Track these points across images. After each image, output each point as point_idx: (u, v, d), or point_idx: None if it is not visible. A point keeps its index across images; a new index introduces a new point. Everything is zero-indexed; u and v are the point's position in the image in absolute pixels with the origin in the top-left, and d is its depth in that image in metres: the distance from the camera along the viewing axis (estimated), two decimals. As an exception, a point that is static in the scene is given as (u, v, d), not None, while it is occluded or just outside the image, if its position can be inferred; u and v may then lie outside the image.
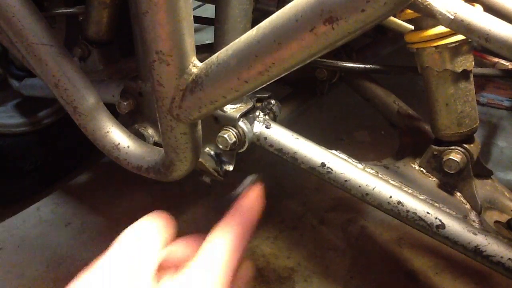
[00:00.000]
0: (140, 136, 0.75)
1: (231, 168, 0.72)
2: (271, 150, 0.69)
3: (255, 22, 0.44)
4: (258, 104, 0.73)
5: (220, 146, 0.67)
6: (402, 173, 0.74)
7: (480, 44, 0.58)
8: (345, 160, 0.67)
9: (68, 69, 0.59)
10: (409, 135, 0.87)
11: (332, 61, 0.87)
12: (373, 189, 0.65)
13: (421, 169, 0.75)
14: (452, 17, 0.55)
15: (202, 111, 0.44)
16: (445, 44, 0.64)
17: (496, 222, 0.72)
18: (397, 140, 0.89)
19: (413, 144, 0.84)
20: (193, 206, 1.20)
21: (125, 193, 1.25)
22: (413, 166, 0.76)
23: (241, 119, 0.68)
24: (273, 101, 0.76)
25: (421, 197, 0.66)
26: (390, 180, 0.68)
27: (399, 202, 0.64)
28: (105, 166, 1.35)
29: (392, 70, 0.88)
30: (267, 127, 0.69)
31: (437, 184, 0.73)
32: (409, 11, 0.64)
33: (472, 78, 0.69)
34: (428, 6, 0.55)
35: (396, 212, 0.64)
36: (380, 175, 0.68)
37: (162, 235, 0.34)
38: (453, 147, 0.71)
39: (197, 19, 1.20)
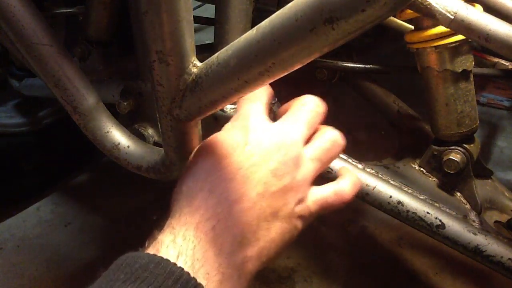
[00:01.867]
0: (140, 136, 0.75)
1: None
2: (271, 150, 0.68)
3: (255, 22, 0.44)
4: (258, 104, 0.73)
5: (220, 146, 0.67)
6: (402, 173, 0.74)
7: (480, 44, 0.58)
8: (345, 160, 0.67)
9: (68, 69, 0.59)
10: (409, 135, 0.88)
11: (332, 61, 0.87)
12: (373, 189, 0.65)
13: (421, 169, 0.75)
14: (452, 17, 0.55)
15: (202, 111, 0.44)
16: (445, 44, 0.64)
17: (496, 222, 0.73)
18: (397, 140, 0.89)
19: (413, 144, 0.84)
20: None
21: (125, 193, 1.25)
22: (413, 166, 0.76)
23: (241, 119, 0.67)
24: (273, 101, 0.76)
25: (421, 197, 0.66)
26: (390, 180, 0.68)
27: (399, 202, 0.64)
28: (105, 166, 1.35)
29: (392, 70, 0.88)
30: (267, 127, 0.69)
31: (437, 184, 0.73)
32: (409, 11, 0.64)
33: (472, 78, 0.69)
34: (428, 6, 0.55)
35: (396, 212, 0.64)
36: (380, 175, 0.68)
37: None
38: (453, 147, 0.71)
39: (197, 19, 1.20)
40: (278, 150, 0.45)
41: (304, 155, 0.46)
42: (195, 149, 0.49)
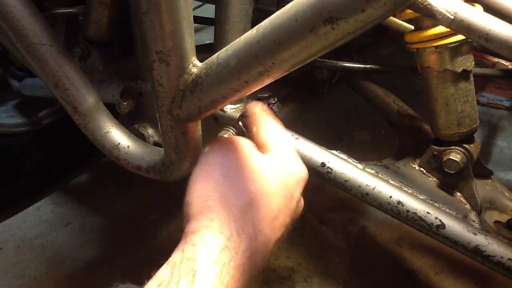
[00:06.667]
0: (140, 136, 0.75)
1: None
2: (271, 150, 0.68)
3: (255, 22, 0.44)
4: (258, 104, 0.73)
5: (220, 146, 0.67)
6: (402, 173, 0.74)
7: (480, 44, 0.58)
8: (345, 160, 0.67)
9: (68, 69, 0.59)
10: (409, 135, 0.87)
11: (332, 61, 0.87)
12: (373, 189, 0.65)
13: (421, 169, 0.75)
14: (452, 17, 0.55)
15: (202, 111, 0.44)
16: (445, 44, 0.64)
17: (496, 222, 0.73)
18: (397, 140, 0.89)
19: (413, 144, 0.84)
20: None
21: (125, 193, 1.25)
22: (413, 166, 0.76)
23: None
24: (273, 101, 0.76)
25: (421, 197, 0.66)
26: (390, 180, 0.68)
27: (399, 202, 0.64)
28: (105, 166, 1.35)
29: (392, 70, 0.88)
30: (267, 127, 0.69)
31: (437, 184, 0.73)
32: (409, 11, 0.64)
33: (472, 78, 0.69)
34: (428, 6, 0.55)
35: (396, 212, 0.64)
36: (380, 175, 0.68)
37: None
38: (453, 147, 0.71)
39: (197, 19, 1.20)
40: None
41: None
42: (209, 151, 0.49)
